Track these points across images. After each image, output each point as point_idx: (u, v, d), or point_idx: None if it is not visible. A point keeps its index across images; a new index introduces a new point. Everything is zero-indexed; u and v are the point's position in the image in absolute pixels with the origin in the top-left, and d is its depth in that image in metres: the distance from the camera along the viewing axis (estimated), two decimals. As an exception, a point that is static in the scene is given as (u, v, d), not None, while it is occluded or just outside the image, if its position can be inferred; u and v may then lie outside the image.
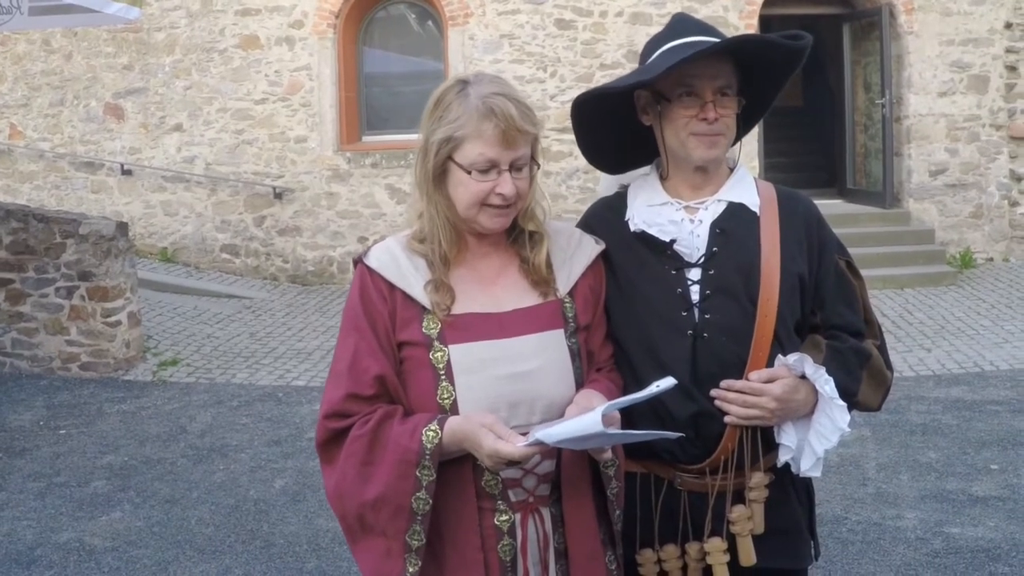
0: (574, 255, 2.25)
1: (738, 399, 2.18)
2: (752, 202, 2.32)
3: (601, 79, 11.09)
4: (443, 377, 2.08)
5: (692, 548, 2.24)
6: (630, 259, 2.30)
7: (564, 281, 2.21)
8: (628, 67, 10.67)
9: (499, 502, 2.11)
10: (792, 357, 2.20)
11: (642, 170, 2.46)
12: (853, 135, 12.78)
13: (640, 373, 2.21)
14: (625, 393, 2.16)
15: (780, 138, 13.72)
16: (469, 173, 2.08)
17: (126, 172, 12.51)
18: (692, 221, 2.30)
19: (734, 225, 2.29)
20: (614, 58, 11.71)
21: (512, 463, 1.99)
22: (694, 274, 2.26)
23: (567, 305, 2.20)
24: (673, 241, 2.28)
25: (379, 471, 2.05)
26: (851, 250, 2.48)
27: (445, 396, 2.08)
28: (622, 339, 2.28)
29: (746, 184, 2.36)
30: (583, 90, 2.37)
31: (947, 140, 11.75)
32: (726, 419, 2.20)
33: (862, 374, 2.29)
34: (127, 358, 8.56)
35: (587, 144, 2.45)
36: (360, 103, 12.42)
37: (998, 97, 11.75)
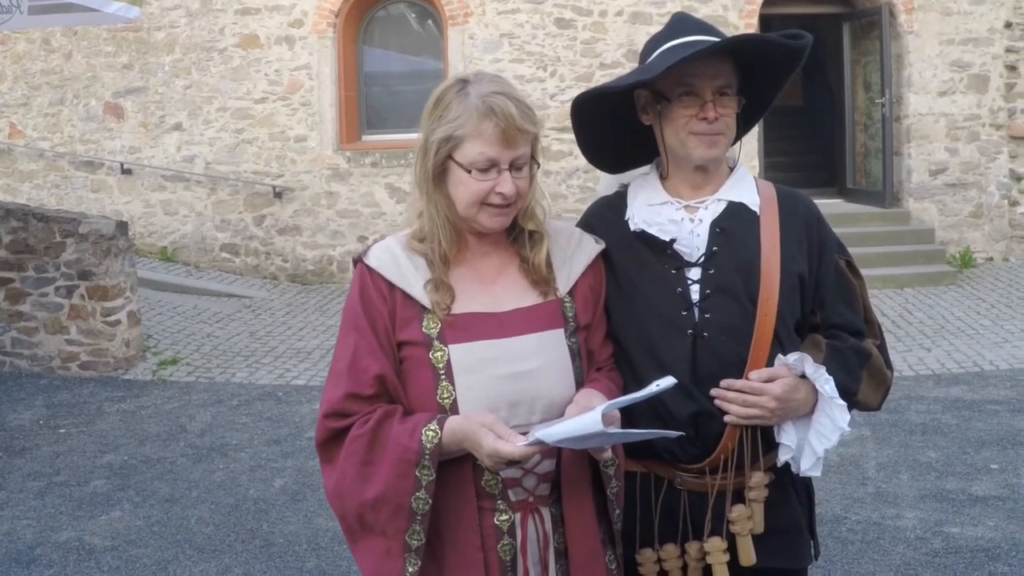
0: (574, 254, 2.25)
1: (738, 398, 2.18)
2: (752, 201, 2.32)
3: (601, 78, 11.09)
4: (443, 377, 2.08)
5: (692, 548, 2.24)
6: (630, 258, 2.30)
7: (564, 280, 2.21)
8: (628, 66, 10.67)
9: (499, 502, 2.11)
10: (792, 356, 2.20)
11: (642, 169, 2.46)
12: (853, 134, 12.78)
13: (640, 373, 2.21)
14: (625, 393, 2.16)
15: (780, 137, 13.72)
16: (469, 172, 2.08)
17: (126, 171, 12.51)
18: (692, 220, 2.30)
19: (734, 224, 2.29)
20: (614, 57, 11.71)
21: (512, 463, 1.98)
22: (694, 273, 2.26)
23: (567, 305, 2.20)
24: (673, 240, 2.28)
25: (379, 470, 2.05)
26: (851, 250, 2.48)
27: (445, 396, 2.08)
28: (622, 338, 2.28)
29: (746, 183, 2.36)
30: (583, 89, 2.37)
31: (947, 140, 11.75)
32: (726, 418, 2.20)
33: (862, 373, 2.29)
34: (127, 357, 8.56)
35: (587, 143, 2.45)
36: (360, 102, 12.42)
37: (998, 96, 11.74)
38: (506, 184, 2.07)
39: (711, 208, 2.31)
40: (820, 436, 2.22)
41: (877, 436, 6.33)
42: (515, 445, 1.94)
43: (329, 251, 12.14)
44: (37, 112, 12.83)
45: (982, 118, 11.74)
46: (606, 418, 1.92)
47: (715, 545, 2.22)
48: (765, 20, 11.99)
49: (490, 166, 2.07)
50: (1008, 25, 11.69)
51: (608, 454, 2.11)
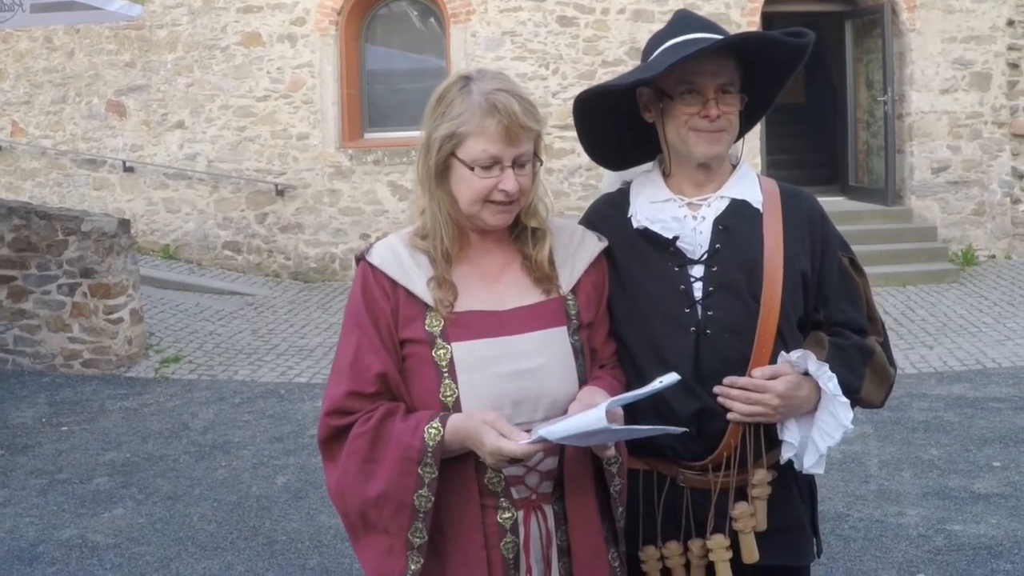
0: (577, 252, 2.25)
1: (741, 396, 2.18)
2: (755, 199, 2.32)
3: (603, 76, 11.09)
4: (446, 374, 2.08)
5: (695, 545, 2.24)
6: (633, 256, 2.30)
7: (567, 278, 2.21)
8: (630, 64, 10.66)
9: (502, 499, 2.11)
10: (795, 354, 2.20)
11: (645, 167, 2.45)
12: (855, 132, 12.77)
13: (643, 370, 2.21)
14: (628, 390, 2.16)
15: (782, 135, 13.71)
16: (472, 169, 2.07)
17: (128, 169, 12.51)
18: (695, 218, 2.30)
19: (737, 222, 2.29)
20: (616, 55, 11.70)
21: (514, 461, 1.98)
22: (697, 271, 2.26)
23: (570, 302, 2.20)
24: (676, 238, 2.28)
25: (381, 468, 2.05)
26: (853, 247, 2.48)
27: (448, 393, 2.07)
28: (625, 336, 2.28)
29: (749, 181, 2.36)
30: (585, 87, 2.37)
31: (949, 137, 11.73)
32: (729, 416, 2.20)
33: (865, 371, 2.29)
34: (129, 355, 8.56)
35: (589, 141, 2.44)
36: (362, 100, 12.41)
37: (1000, 94, 11.73)
38: (509, 181, 2.07)
39: (714, 205, 2.31)
40: (823, 433, 2.21)
41: (879, 434, 6.33)
42: (517, 443, 1.94)
43: (331, 249, 12.15)
44: (39, 110, 12.83)
45: (984, 116, 11.73)
46: (610, 415, 1.92)
47: (718, 542, 2.22)
48: (767, 18, 11.98)
49: (493, 163, 2.07)
50: (1010, 23, 11.67)
51: (611, 451, 2.10)
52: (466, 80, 2.11)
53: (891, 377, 2.36)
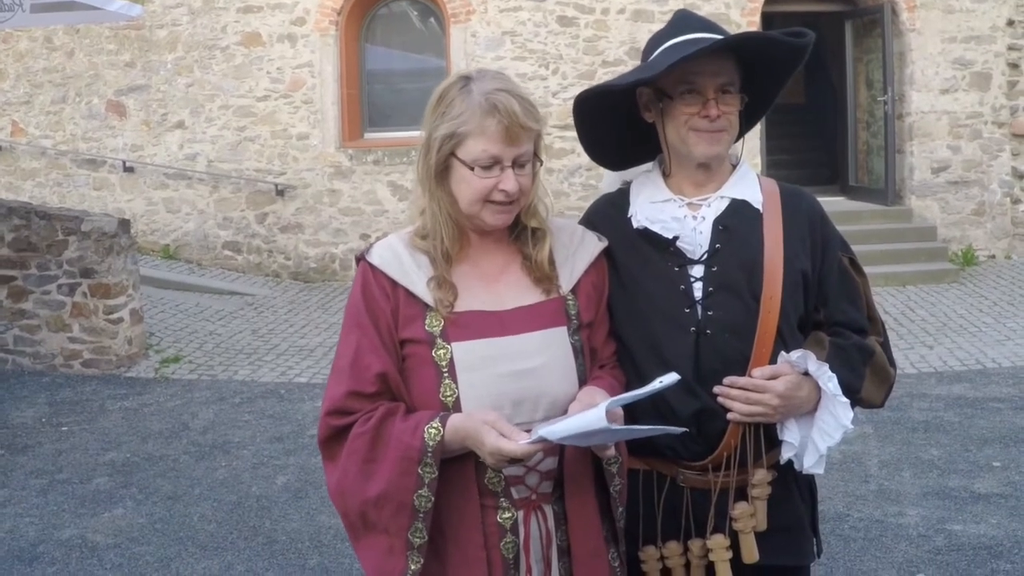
0: (577, 252, 2.25)
1: (741, 396, 2.18)
2: (755, 199, 2.32)
3: (603, 76, 11.09)
4: (446, 375, 2.08)
5: (695, 545, 2.24)
6: (633, 256, 2.30)
7: (567, 278, 2.21)
8: (630, 64, 10.66)
9: (502, 499, 2.11)
10: (795, 354, 2.20)
11: (645, 167, 2.45)
12: (855, 132, 12.77)
13: (643, 370, 2.21)
14: (628, 391, 2.16)
15: (782, 135, 13.71)
16: (472, 169, 2.07)
17: (128, 169, 12.51)
18: (695, 218, 2.30)
19: (737, 222, 2.29)
20: (616, 55, 11.70)
21: (514, 461, 1.98)
22: (697, 271, 2.26)
23: (570, 302, 2.20)
24: (676, 238, 2.28)
25: (381, 468, 2.05)
26: (853, 247, 2.48)
27: (448, 394, 2.07)
28: (625, 336, 2.28)
29: (749, 181, 2.36)
30: (585, 87, 2.37)
31: (949, 137, 11.73)
32: (729, 416, 2.20)
33: (865, 371, 2.29)
34: (129, 355, 8.56)
35: (589, 141, 2.44)
36: (362, 100, 12.41)
37: (1000, 94, 11.73)
38: (509, 181, 2.07)
39: (714, 205, 2.31)
40: (823, 433, 2.21)
41: (879, 434, 6.33)
42: (517, 443, 1.94)
43: (331, 249, 12.14)
44: (39, 110, 12.83)
45: (984, 116, 11.73)
46: (610, 415, 1.92)
47: (718, 542, 2.22)
48: (767, 18, 11.98)
49: (493, 163, 2.07)
50: (1010, 23, 11.67)
51: (611, 451, 2.10)
52: (466, 80, 2.11)
53: (891, 377, 2.36)
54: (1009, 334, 8.73)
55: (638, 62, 2.37)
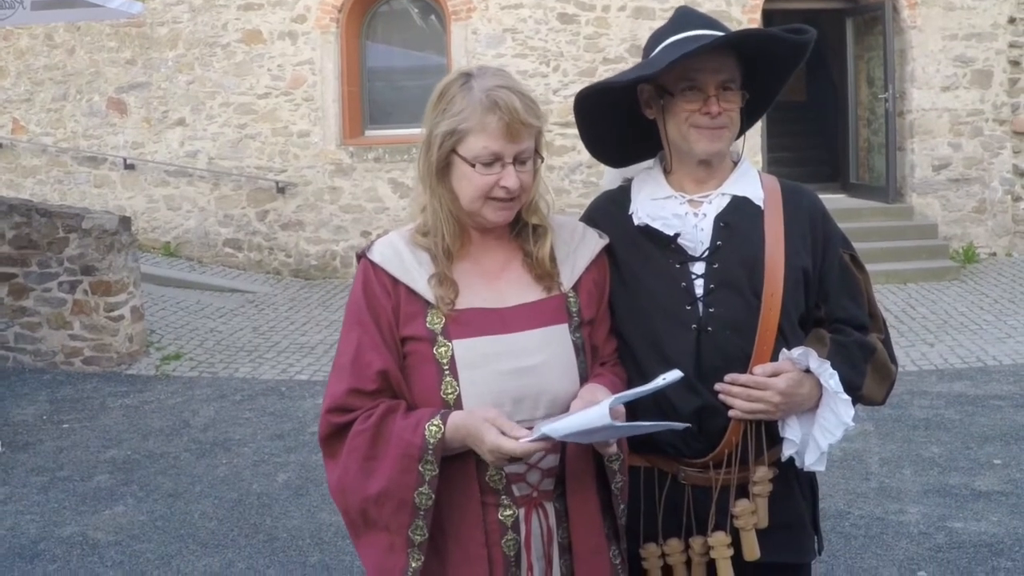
0: (578, 249, 2.24)
1: (742, 393, 2.18)
2: (756, 196, 2.32)
3: (604, 73, 11.08)
4: (447, 372, 2.08)
5: (696, 542, 2.24)
6: (634, 253, 2.30)
7: (568, 275, 2.21)
8: (631, 61, 10.65)
9: (503, 497, 2.11)
10: (796, 351, 2.20)
11: (646, 164, 2.45)
12: (856, 130, 12.76)
13: (644, 367, 2.21)
14: (629, 388, 2.16)
15: (783, 132, 13.70)
16: (473, 166, 2.07)
17: (129, 167, 12.51)
18: (696, 215, 2.30)
19: (738, 219, 2.29)
20: (617, 52, 11.70)
21: (514, 459, 1.98)
22: (698, 268, 2.26)
23: (571, 300, 2.19)
24: (677, 235, 2.28)
25: (382, 466, 2.05)
26: (854, 245, 2.48)
27: (449, 391, 2.07)
28: (626, 333, 2.27)
29: (750, 178, 2.36)
30: (586, 84, 2.37)
31: (950, 135, 11.72)
32: (730, 413, 2.20)
33: (866, 368, 2.29)
34: (130, 352, 8.57)
35: (590, 138, 2.44)
36: (363, 97, 12.41)
37: (1001, 92, 11.72)
38: (510, 178, 2.07)
39: (715, 202, 2.31)
40: (824, 431, 2.21)
41: (880, 431, 6.33)
42: (516, 442, 1.94)
43: (332, 246, 12.14)
44: (40, 108, 12.83)
45: (985, 113, 11.72)
46: (613, 412, 1.92)
47: (719, 540, 2.22)
48: (768, 15, 11.96)
49: (494, 160, 2.07)
50: (1012, 20, 11.66)
51: (613, 449, 2.10)
52: (467, 77, 2.10)
53: (892, 374, 2.36)
54: (1010, 332, 8.73)
55: (639, 59, 2.36)
